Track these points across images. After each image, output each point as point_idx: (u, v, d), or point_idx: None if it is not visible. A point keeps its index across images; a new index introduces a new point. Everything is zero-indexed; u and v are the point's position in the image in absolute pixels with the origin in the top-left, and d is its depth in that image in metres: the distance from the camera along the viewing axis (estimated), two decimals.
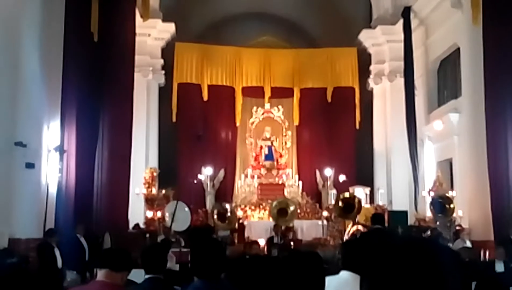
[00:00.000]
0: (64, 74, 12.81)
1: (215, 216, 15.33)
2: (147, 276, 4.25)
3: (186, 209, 11.98)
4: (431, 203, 14.86)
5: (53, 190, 12.28)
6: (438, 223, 14.22)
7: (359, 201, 14.37)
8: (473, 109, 14.57)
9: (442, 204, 14.04)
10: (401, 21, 19.46)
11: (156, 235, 14.66)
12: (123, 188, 15.13)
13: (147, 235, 14.96)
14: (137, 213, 17.04)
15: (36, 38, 12.20)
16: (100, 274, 3.93)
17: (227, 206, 16.04)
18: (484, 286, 4.23)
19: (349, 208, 13.77)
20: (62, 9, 12.86)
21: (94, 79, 14.25)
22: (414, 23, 19.24)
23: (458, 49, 16.61)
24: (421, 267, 1.72)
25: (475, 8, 13.83)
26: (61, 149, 12.36)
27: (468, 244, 12.65)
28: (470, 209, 14.67)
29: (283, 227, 15.23)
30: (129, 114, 15.55)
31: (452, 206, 14.29)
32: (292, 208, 15.88)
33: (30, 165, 11.56)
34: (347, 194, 15.38)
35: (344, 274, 3.89)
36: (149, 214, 17.24)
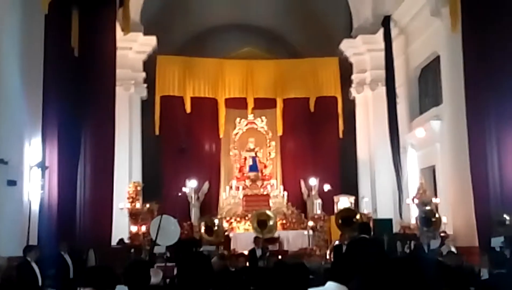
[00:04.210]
0: (45, 90, 12.69)
1: (203, 229, 15.22)
2: None
3: (174, 223, 11.81)
4: (418, 219, 14.83)
5: (35, 207, 12.12)
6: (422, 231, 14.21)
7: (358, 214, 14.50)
8: (454, 115, 14.68)
9: (427, 219, 14.03)
10: (381, 30, 19.62)
11: (141, 250, 14.53)
12: (106, 203, 14.97)
13: (132, 250, 14.82)
14: (122, 228, 16.88)
15: (16, 54, 12.07)
16: None
17: (216, 220, 15.99)
18: None
19: (349, 222, 13.82)
20: (42, 24, 12.75)
21: (75, 94, 14.13)
22: (394, 32, 19.40)
23: (438, 57, 16.75)
24: (409, 281, 1.71)
25: (454, 16, 13.97)
26: (43, 166, 12.22)
27: (453, 250, 12.66)
28: (454, 216, 14.72)
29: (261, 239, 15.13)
30: (111, 128, 15.43)
31: (437, 216, 14.28)
32: (271, 222, 15.62)
33: (11, 183, 11.40)
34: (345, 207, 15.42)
35: (330, 285, 3.83)
36: (134, 228, 17.09)
